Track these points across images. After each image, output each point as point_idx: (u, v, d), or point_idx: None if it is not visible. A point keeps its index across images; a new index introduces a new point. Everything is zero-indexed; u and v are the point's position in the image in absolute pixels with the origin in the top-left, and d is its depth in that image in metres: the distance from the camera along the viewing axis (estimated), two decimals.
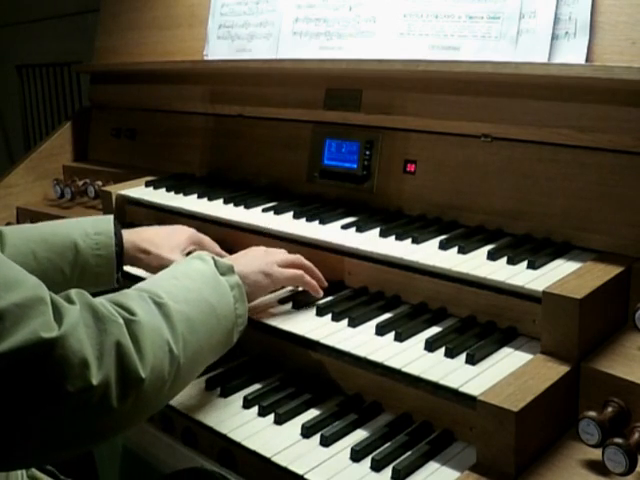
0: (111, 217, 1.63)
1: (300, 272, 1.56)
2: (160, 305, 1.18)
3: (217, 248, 1.78)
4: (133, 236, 1.66)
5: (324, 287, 1.61)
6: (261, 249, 1.59)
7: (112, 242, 1.58)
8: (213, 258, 1.38)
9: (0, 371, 0.94)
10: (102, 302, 1.10)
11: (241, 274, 1.39)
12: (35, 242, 1.51)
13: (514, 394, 1.18)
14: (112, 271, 1.58)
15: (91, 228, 1.58)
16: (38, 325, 0.96)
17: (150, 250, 1.65)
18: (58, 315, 1.00)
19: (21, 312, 0.96)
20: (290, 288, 1.66)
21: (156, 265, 1.63)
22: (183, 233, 1.76)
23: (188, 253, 1.70)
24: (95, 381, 1.00)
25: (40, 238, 1.52)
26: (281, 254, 1.58)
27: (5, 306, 0.95)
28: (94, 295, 1.12)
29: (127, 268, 1.69)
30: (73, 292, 1.08)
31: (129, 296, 1.17)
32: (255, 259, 1.51)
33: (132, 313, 1.11)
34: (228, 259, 1.49)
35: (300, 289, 1.63)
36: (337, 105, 1.98)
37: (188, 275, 1.31)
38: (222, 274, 1.35)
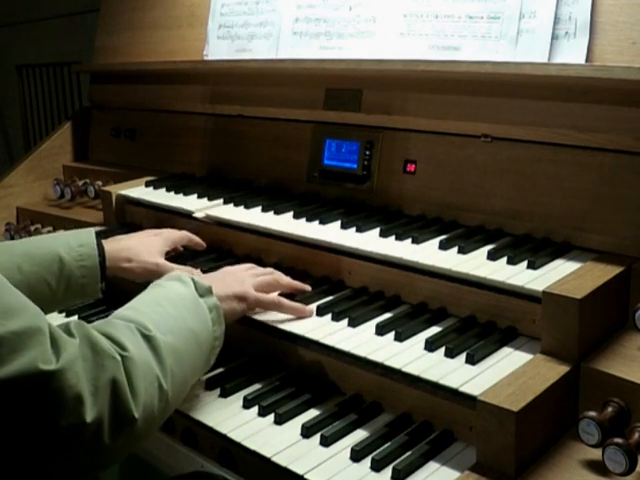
0: (92, 229, 1.66)
1: (277, 300, 1.53)
2: (148, 338, 1.17)
3: (187, 238, 1.85)
4: (113, 245, 1.68)
5: (306, 292, 1.61)
6: (236, 270, 1.58)
7: (95, 253, 1.60)
8: (192, 279, 1.38)
9: None
10: (99, 336, 1.09)
11: (217, 297, 1.39)
12: (20, 256, 1.51)
13: (514, 394, 1.18)
14: (97, 281, 1.60)
15: (74, 240, 1.60)
16: (35, 356, 0.96)
17: (132, 258, 1.68)
18: (56, 348, 1.00)
19: (19, 341, 0.96)
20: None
21: (140, 271, 1.67)
22: (156, 237, 1.79)
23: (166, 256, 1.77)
24: (89, 418, 1.00)
25: (24, 252, 1.53)
26: (256, 277, 1.56)
27: (3, 333, 0.95)
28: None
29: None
30: (72, 324, 1.08)
31: (118, 328, 1.15)
32: (231, 283, 1.49)
33: (124, 348, 1.10)
34: (206, 279, 1.48)
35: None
36: (337, 105, 1.98)
37: (170, 300, 1.30)
38: (201, 295, 1.35)
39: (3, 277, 1.03)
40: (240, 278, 1.53)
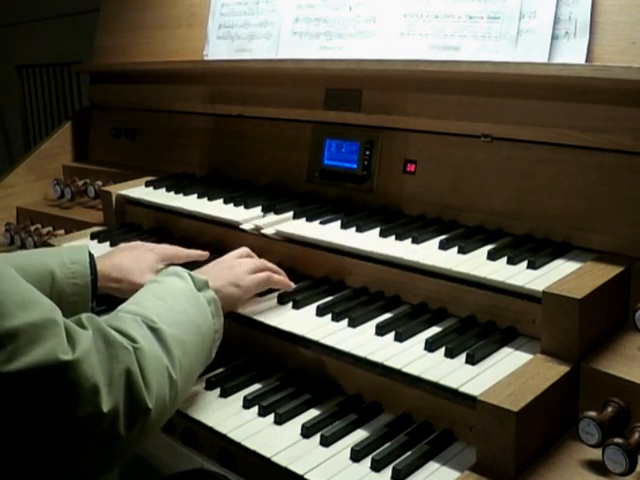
0: (86, 246, 1.63)
1: (267, 274, 1.58)
2: (155, 330, 1.18)
3: (183, 253, 1.77)
4: (105, 263, 1.64)
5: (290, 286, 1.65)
6: (228, 259, 1.60)
7: (87, 271, 1.56)
8: (189, 274, 1.39)
9: (11, 389, 0.94)
10: (110, 328, 1.11)
11: (214, 289, 1.41)
12: (14, 271, 1.49)
13: (514, 394, 1.18)
14: (87, 300, 1.57)
15: (67, 257, 1.57)
16: (53, 347, 0.98)
17: (122, 278, 1.63)
18: (71, 339, 1.02)
19: (36, 332, 0.97)
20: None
21: (129, 291, 1.58)
22: (150, 253, 1.72)
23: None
24: (105, 408, 1.01)
25: (19, 267, 1.48)
26: (248, 263, 1.59)
27: (20, 325, 0.96)
28: None
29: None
30: (84, 317, 1.10)
31: (125, 321, 1.17)
32: (224, 271, 1.53)
33: (133, 340, 1.12)
34: (200, 272, 1.49)
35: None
36: (337, 105, 1.98)
37: (171, 295, 1.32)
38: (198, 290, 1.37)
39: (16, 273, 1.04)
40: (230, 264, 1.57)
